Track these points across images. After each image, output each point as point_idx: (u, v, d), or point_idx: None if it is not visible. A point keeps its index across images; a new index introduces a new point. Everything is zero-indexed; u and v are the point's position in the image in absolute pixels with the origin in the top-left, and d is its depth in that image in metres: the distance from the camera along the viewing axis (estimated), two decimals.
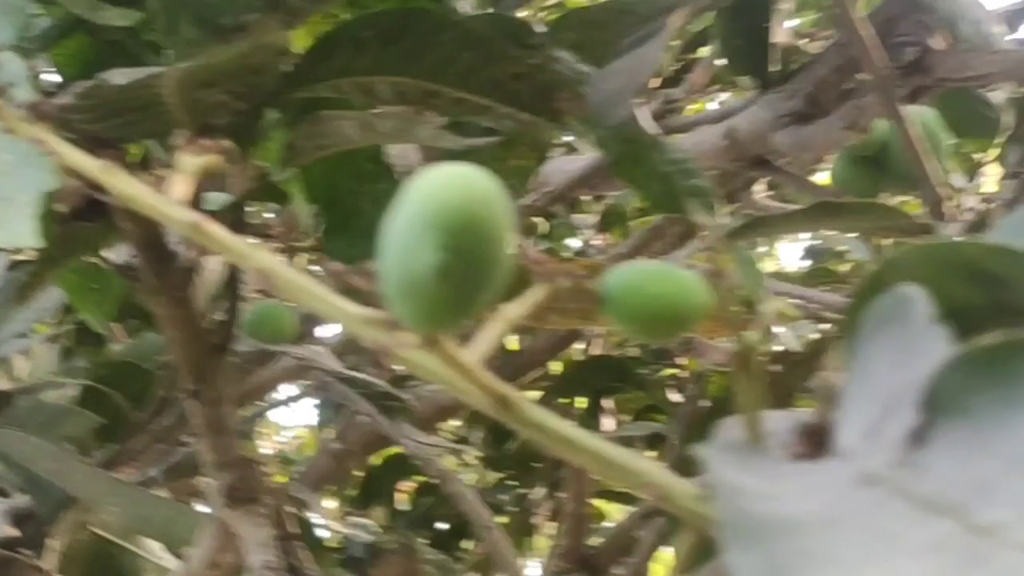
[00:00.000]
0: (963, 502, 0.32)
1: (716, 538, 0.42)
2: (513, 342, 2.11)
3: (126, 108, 0.72)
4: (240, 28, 0.73)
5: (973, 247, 0.40)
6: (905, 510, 0.33)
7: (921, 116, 1.06)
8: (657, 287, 0.53)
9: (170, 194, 0.53)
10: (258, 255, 0.50)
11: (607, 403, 2.12)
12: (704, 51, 1.76)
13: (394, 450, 2.17)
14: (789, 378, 1.21)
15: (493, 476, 2.34)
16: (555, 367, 2.21)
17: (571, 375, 2.16)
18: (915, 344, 0.37)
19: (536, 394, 2.15)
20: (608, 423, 2.09)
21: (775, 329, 1.63)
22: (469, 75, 0.83)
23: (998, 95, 1.35)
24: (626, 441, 2.11)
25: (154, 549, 1.66)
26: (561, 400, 2.09)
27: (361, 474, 2.24)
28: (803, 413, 0.45)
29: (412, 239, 0.40)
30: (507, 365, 1.95)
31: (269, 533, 0.79)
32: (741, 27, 1.18)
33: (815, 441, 0.43)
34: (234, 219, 0.83)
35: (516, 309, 0.50)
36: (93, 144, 0.61)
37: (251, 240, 0.52)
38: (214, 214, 0.82)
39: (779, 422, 0.46)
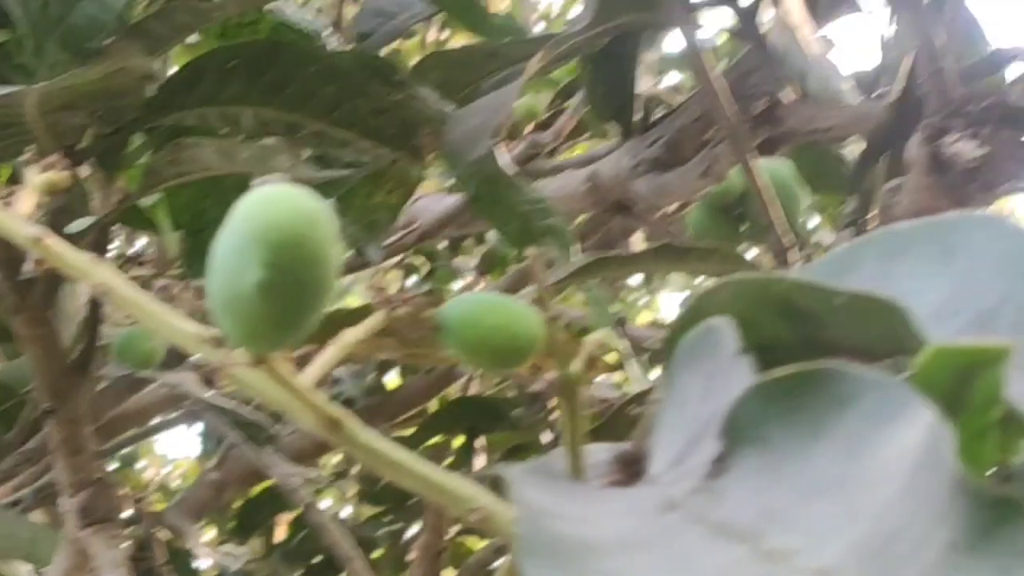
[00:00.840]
0: (756, 528, 0.32)
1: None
2: (393, 381, 2.11)
3: None
4: (101, 52, 0.72)
5: (783, 283, 0.40)
6: (701, 535, 0.32)
7: (775, 168, 1.06)
8: (493, 318, 0.52)
9: (15, 209, 0.52)
10: (97, 271, 0.49)
11: (479, 442, 2.11)
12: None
13: (274, 481, 2.15)
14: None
15: (369, 511, 2.32)
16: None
17: (445, 414, 2.15)
18: (721, 375, 0.37)
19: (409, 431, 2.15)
20: (479, 461, 2.09)
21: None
22: (332, 108, 0.82)
23: (852, 150, 1.36)
24: (490, 478, 2.10)
25: (20, 572, 1.63)
26: (436, 437, 2.09)
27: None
28: (624, 444, 0.45)
29: (237, 256, 0.39)
30: (387, 403, 1.94)
31: (123, 554, 0.77)
32: (606, 76, 1.18)
33: (631, 470, 0.42)
34: (96, 241, 0.82)
35: (354, 334, 0.49)
36: None
37: (103, 261, 0.51)
38: (75, 236, 0.81)
39: (601, 453, 0.45)
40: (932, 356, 0.33)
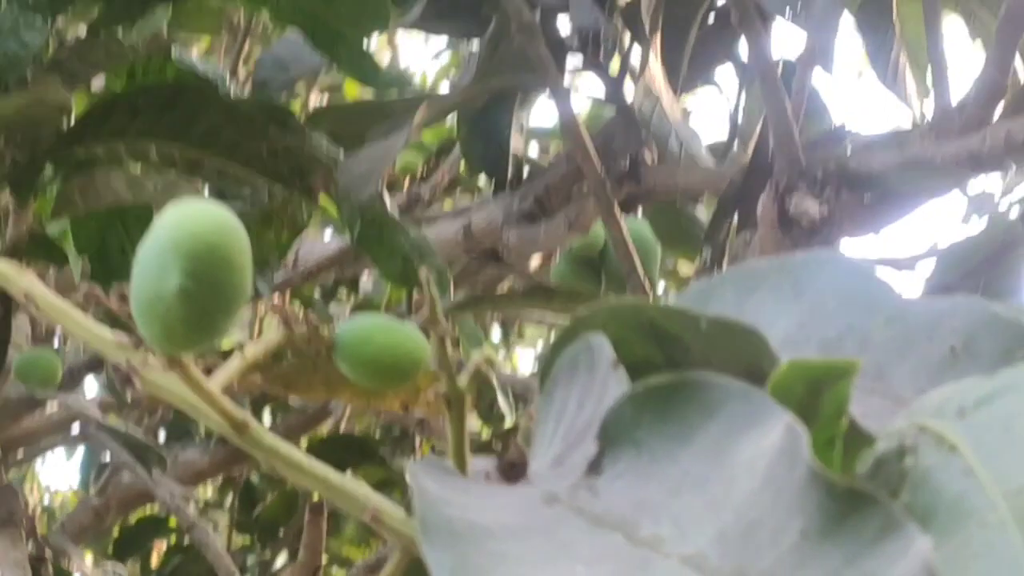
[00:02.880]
0: (630, 519, 0.33)
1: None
2: (265, 421, 2.09)
3: None
4: (21, 83, 0.72)
5: (652, 309, 0.41)
6: (580, 525, 0.33)
7: (634, 225, 1.08)
8: (383, 337, 0.53)
9: None
10: (23, 278, 0.49)
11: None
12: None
13: (151, 509, 2.14)
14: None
15: (241, 539, 2.31)
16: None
17: (317, 449, 2.15)
18: (598, 385, 0.38)
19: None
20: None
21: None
22: (232, 148, 0.83)
23: (704, 212, 1.39)
24: None
25: None
26: None
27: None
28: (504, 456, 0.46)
29: (157, 265, 0.40)
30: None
31: (25, 553, 0.76)
32: (483, 134, 1.19)
33: (513, 474, 0.43)
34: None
35: (257, 348, 0.50)
36: None
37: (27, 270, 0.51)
38: None
39: (481, 463, 0.46)
40: (787, 370, 0.34)
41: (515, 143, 1.23)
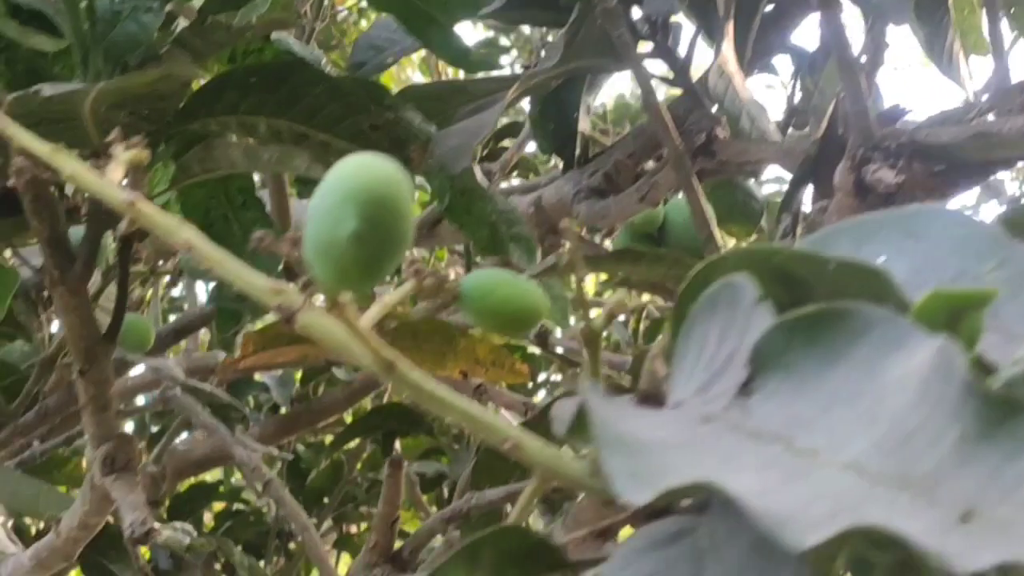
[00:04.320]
0: (784, 433, 0.34)
1: (567, 483, 0.44)
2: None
3: (48, 118, 0.72)
4: (152, 59, 0.74)
5: (782, 253, 0.43)
6: (739, 438, 0.35)
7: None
8: (505, 290, 0.55)
9: (108, 177, 0.54)
10: (184, 230, 0.51)
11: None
12: (507, 142, 1.80)
13: (202, 478, 2.16)
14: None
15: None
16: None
17: (367, 419, 2.17)
18: (740, 319, 0.39)
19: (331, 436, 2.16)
20: None
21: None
22: (335, 122, 0.84)
23: (762, 189, 1.41)
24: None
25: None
26: (356, 441, 2.11)
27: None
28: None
29: (334, 210, 0.42)
30: (307, 411, 1.94)
31: (142, 497, 0.78)
32: (553, 113, 1.22)
33: (650, 404, 0.45)
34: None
35: (395, 296, 0.51)
36: None
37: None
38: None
39: (617, 395, 0.48)
40: (930, 298, 0.36)
41: (582, 123, 1.25)
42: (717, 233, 0.93)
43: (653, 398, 0.44)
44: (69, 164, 0.55)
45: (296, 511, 1.40)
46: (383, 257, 0.42)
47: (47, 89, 0.69)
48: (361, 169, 0.42)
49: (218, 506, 2.33)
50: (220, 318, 0.85)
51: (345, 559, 2.43)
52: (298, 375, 2.01)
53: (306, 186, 1.26)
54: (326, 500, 2.22)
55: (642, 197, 1.14)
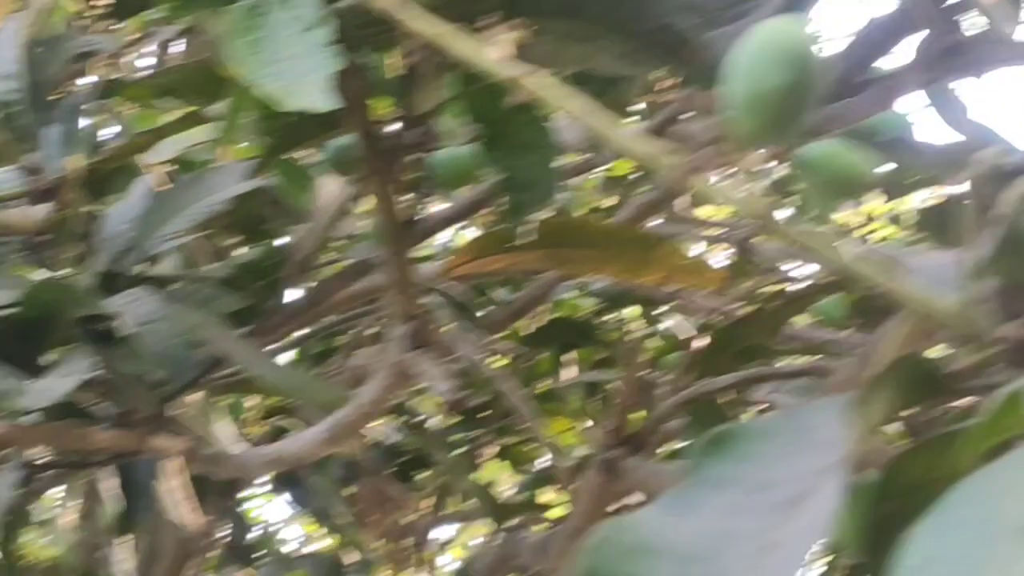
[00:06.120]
0: None
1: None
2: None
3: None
4: None
5: None
6: None
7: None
8: (841, 158, 0.58)
9: (492, 54, 0.58)
10: (575, 101, 0.55)
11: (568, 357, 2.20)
12: None
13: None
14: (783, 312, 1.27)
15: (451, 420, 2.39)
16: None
17: (543, 331, 2.22)
18: None
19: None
20: (569, 373, 2.19)
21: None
22: (622, 25, 0.88)
23: None
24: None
25: (228, 435, 1.70)
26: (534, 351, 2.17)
27: None
28: None
29: (761, 66, 0.45)
30: (494, 314, 1.98)
31: (448, 370, 0.83)
32: None
33: None
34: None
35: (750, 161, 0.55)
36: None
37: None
38: None
39: None
40: None
41: None
42: None
43: None
44: (458, 43, 0.59)
45: (520, 402, 1.46)
46: (802, 110, 0.46)
47: None
48: (782, 30, 0.46)
49: None
50: (510, 207, 0.89)
51: (504, 468, 2.47)
52: None
53: None
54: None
55: (878, 101, 1.15)
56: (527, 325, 2.26)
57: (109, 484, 1.50)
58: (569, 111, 0.55)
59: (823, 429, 0.46)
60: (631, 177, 2.35)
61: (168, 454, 1.07)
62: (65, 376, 1.05)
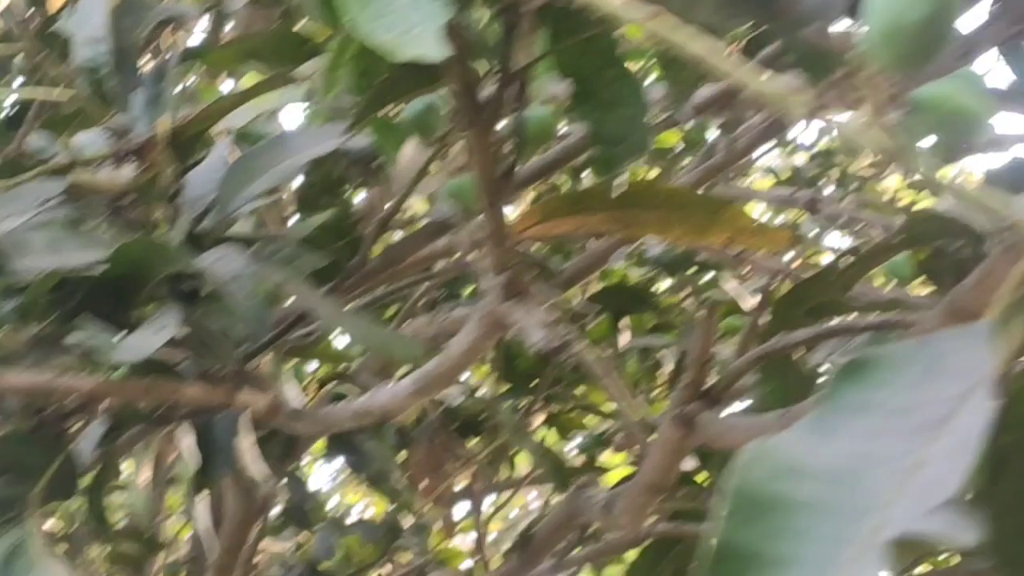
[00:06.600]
0: None
1: None
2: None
3: None
4: None
5: None
6: None
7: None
8: (958, 99, 0.59)
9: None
10: (701, 42, 0.56)
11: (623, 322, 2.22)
12: None
13: None
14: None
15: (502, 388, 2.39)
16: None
17: (599, 297, 2.24)
18: None
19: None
20: (624, 337, 2.20)
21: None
22: None
23: None
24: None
25: (294, 397, 1.72)
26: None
27: None
28: None
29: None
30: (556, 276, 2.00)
31: (544, 318, 0.84)
32: None
33: None
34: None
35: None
36: None
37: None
38: None
39: None
40: None
41: None
42: None
43: None
44: None
45: (593, 365, 1.48)
46: (943, 41, 0.47)
47: None
48: None
49: None
50: (599, 162, 0.90)
51: (552, 436, 2.47)
52: None
53: None
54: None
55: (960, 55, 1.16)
56: (576, 294, 2.29)
57: (186, 442, 1.53)
58: (694, 52, 0.56)
59: (960, 354, 0.47)
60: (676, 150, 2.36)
61: (254, 409, 1.08)
62: (156, 332, 1.07)
